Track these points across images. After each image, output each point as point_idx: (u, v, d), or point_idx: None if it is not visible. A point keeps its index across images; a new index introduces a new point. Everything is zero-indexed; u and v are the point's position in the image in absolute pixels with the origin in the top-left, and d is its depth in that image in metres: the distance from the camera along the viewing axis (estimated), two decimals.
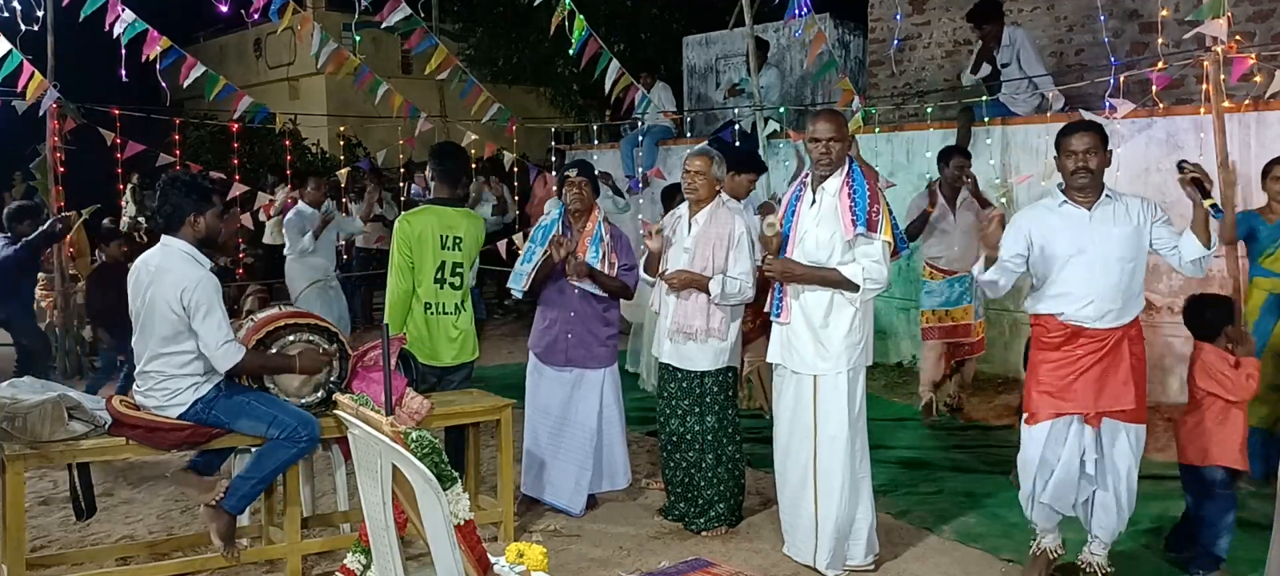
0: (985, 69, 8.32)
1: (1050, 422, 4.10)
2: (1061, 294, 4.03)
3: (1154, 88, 6.82)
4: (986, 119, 7.95)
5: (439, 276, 5.00)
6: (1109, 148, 4.07)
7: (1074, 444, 4.09)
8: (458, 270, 5.06)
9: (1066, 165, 4.03)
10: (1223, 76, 5.99)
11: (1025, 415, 4.22)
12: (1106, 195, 4.04)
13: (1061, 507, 4.18)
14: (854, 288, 4.25)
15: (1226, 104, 6.05)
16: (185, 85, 8.18)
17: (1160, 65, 6.87)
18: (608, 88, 8.69)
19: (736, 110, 10.29)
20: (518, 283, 5.23)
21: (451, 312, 5.05)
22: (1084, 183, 4.00)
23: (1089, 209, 4.02)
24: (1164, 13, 7.91)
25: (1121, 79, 6.94)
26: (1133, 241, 4.00)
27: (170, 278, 4.01)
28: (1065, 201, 4.07)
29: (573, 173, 5.20)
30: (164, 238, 4.15)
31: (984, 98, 8.09)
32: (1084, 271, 3.99)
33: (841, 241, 4.27)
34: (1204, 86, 6.46)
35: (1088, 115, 6.99)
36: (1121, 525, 4.16)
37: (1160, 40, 7.93)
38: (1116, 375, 4.00)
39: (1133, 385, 4.01)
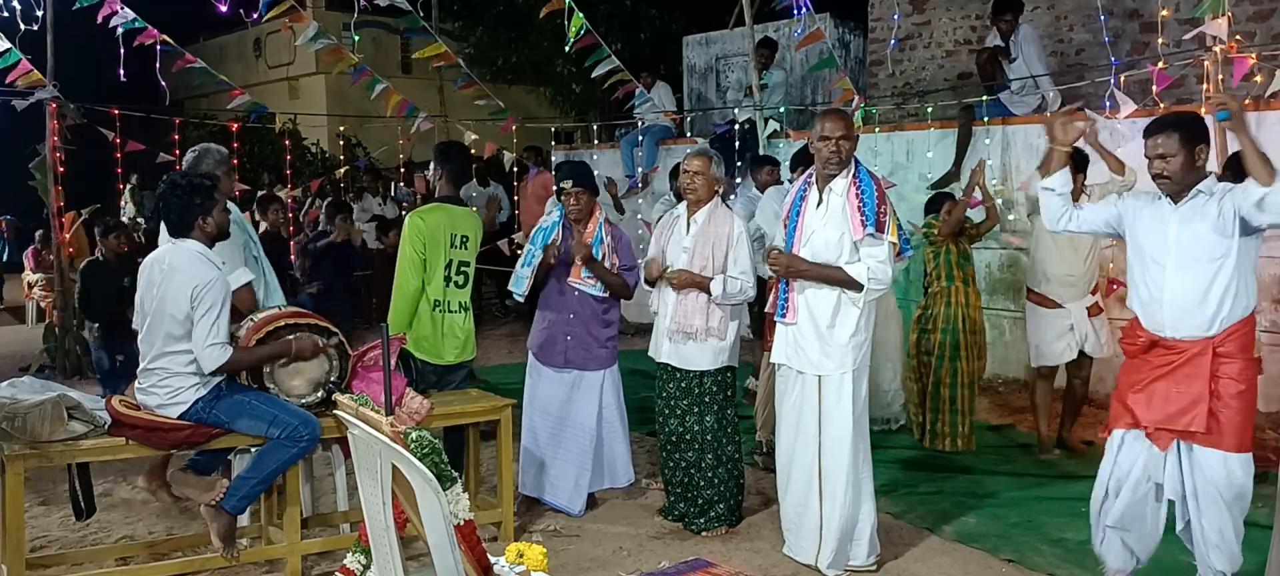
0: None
1: (1121, 433, 3.82)
2: (1141, 295, 3.79)
3: (1154, 87, 6.82)
4: (986, 119, 7.95)
5: (447, 275, 5.01)
6: (1200, 143, 3.68)
7: (1141, 463, 3.77)
8: (464, 269, 5.08)
9: (1149, 167, 3.75)
10: (1223, 76, 5.99)
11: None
12: (1198, 191, 3.66)
13: (1131, 540, 3.86)
14: (858, 287, 4.24)
15: None
16: (174, 72, 8.20)
17: (1161, 65, 6.87)
18: (603, 81, 8.72)
19: (736, 110, 10.29)
20: (519, 286, 5.23)
21: (457, 311, 5.06)
22: (1165, 187, 3.71)
23: (1177, 203, 3.71)
24: (1164, 12, 7.91)
25: (1122, 78, 6.94)
26: (1219, 237, 3.58)
27: (183, 277, 4.01)
28: (1161, 196, 3.77)
29: (569, 184, 5.17)
30: (175, 239, 4.14)
31: (984, 97, 8.09)
32: (1173, 273, 3.66)
33: (849, 242, 4.25)
34: (1204, 86, 6.46)
35: (1092, 108, 7.00)
36: (1230, 563, 3.73)
37: (1160, 40, 7.93)
38: (1187, 391, 3.63)
39: (1206, 405, 3.60)
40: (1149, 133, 3.73)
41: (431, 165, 5.39)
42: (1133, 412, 3.76)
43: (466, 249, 5.09)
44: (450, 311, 5.05)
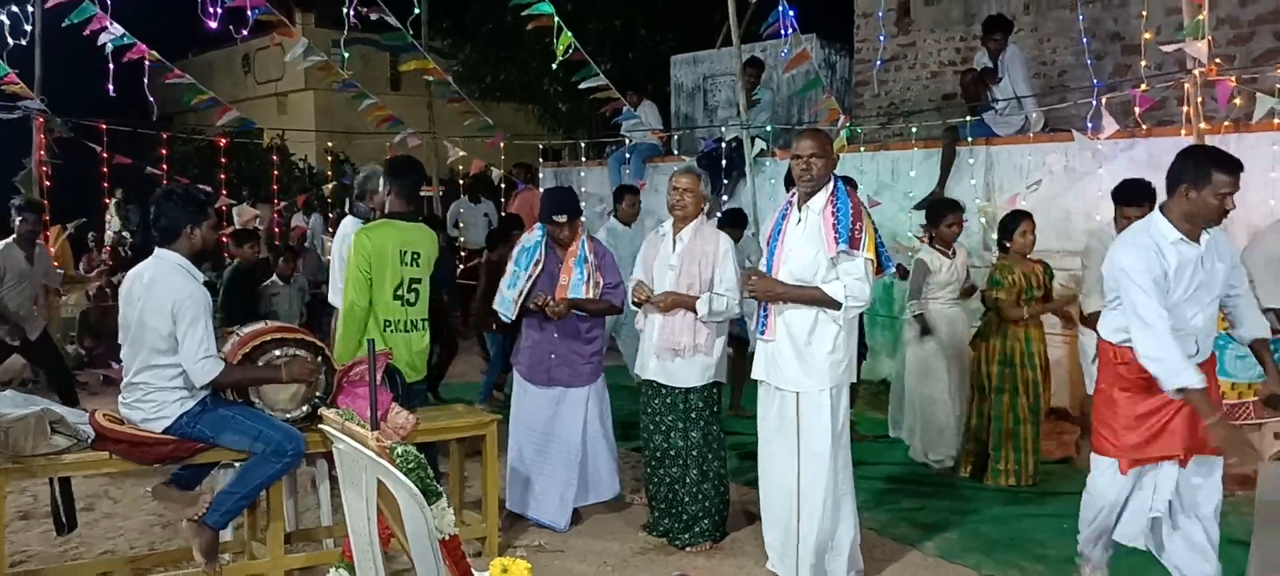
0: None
1: (1139, 469, 3.87)
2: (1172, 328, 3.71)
3: (1136, 109, 6.90)
4: (970, 139, 8.02)
5: (398, 292, 4.85)
6: None
7: (1165, 485, 3.85)
8: (415, 286, 4.91)
9: (1215, 206, 3.67)
10: (1202, 98, 6.06)
11: (1104, 456, 3.94)
12: (1207, 231, 3.79)
13: (1129, 541, 4.00)
14: (836, 305, 4.27)
15: (1206, 126, 6.13)
16: (162, 82, 8.21)
17: (1143, 87, 6.94)
18: (590, 98, 8.76)
19: (723, 128, 10.34)
20: (506, 309, 5.23)
21: (409, 330, 4.92)
22: (1215, 223, 3.76)
23: (1199, 243, 3.77)
24: (1146, 35, 8.01)
25: (1104, 100, 7.01)
26: (1226, 278, 3.82)
27: (163, 290, 4.00)
28: (1181, 238, 3.74)
29: (564, 219, 5.14)
30: (158, 250, 4.14)
31: (968, 118, 8.16)
32: (1196, 309, 3.76)
33: (826, 259, 4.28)
34: (1185, 108, 6.53)
35: (1078, 131, 7.06)
36: (1215, 570, 3.87)
37: (1143, 62, 8.02)
38: None
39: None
40: (1235, 171, 3.68)
41: (381, 181, 5.20)
42: (1160, 444, 3.79)
43: (418, 265, 4.90)
44: (401, 330, 4.88)
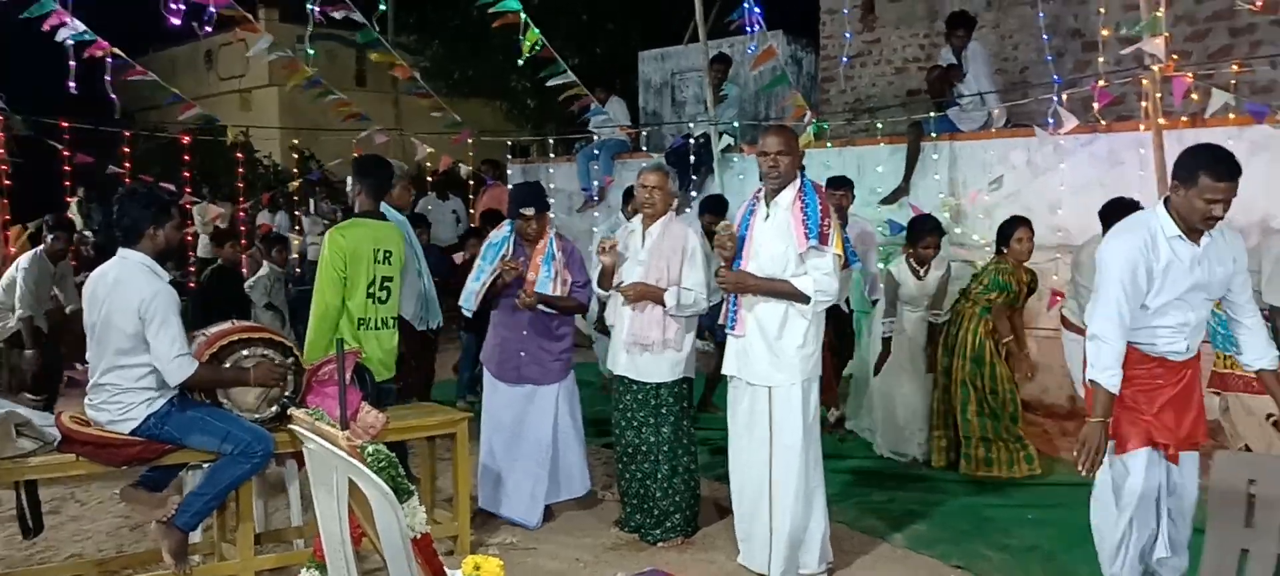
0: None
1: (1147, 451, 3.74)
2: (1157, 327, 3.71)
3: (1096, 104, 7.01)
4: (934, 135, 8.11)
5: (371, 291, 4.87)
6: None
7: (1157, 479, 3.77)
8: (387, 284, 4.94)
9: (1200, 210, 3.52)
10: (1160, 94, 6.18)
11: (1119, 454, 3.81)
12: (1208, 232, 3.66)
13: (1141, 551, 3.84)
14: (805, 299, 4.32)
15: (1164, 121, 6.24)
16: (124, 78, 8.14)
17: (1102, 82, 7.06)
18: (558, 94, 8.74)
19: (691, 124, 10.38)
20: (468, 302, 5.24)
21: (380, 328, 4.94)
22: (1210, 227, 3.61)
23: (1198, 243, 3.66)
24: (1105, 32, 8.14)
25: (1065, 96, 7.12)
26: (1226, 282, 3.74)
27: (128, 290, 3.97)
28: (1179, 235, 3.62)
29: (531, 212, 5.15)
30: (122, 250, 4.11)
31: (932, 114, 8.25)
32: (1187, 310, 3.70)
33: (794, 254, 4.34)
34: (1144, 104, 6.64)
35: (1051, 126, 7.15)
36: (1185, 563, 3.88)
37: (1101, 59, 8.15)
38: (1192, 405, 3.78)
39: (1203, 414, 3.80)
40: (1223, 177, 3.48)
41: (349, 180, 5.21)
42: (1148, 434, 3.75)
43: (390, 264, 4.93)
44: (373, 328, 4.90)
